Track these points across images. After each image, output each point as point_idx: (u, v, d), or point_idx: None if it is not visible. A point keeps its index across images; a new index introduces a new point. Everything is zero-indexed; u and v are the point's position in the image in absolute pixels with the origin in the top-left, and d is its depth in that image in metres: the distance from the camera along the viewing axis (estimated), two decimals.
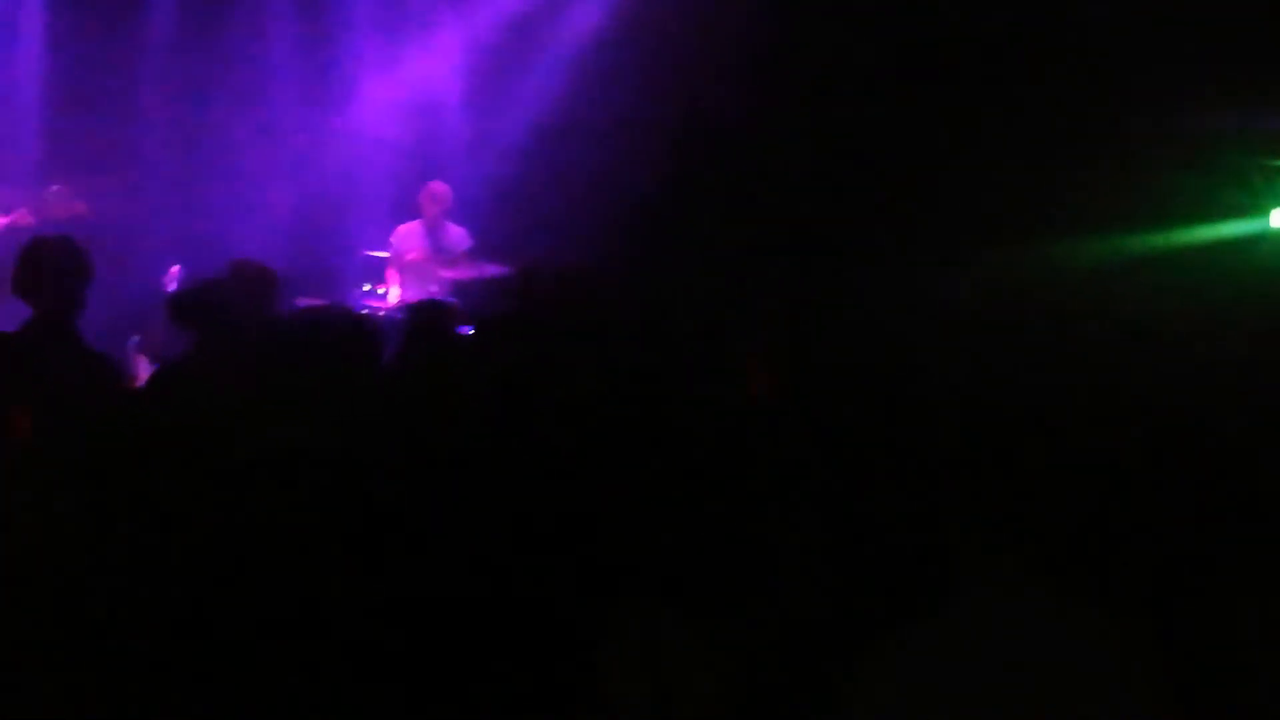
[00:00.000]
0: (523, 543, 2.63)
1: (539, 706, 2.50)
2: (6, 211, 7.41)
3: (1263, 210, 7.62)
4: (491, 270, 8.53)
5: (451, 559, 2.60)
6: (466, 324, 7.39)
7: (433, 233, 8.76)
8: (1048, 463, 2.25)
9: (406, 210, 8.89)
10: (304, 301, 8.08)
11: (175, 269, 8.11)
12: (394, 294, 8.57)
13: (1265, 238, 7.65)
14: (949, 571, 2.18)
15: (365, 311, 7.86)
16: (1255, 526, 2.31)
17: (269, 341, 4.67)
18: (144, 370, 6.99)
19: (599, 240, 8.10)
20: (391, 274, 8.70)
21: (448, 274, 8.61)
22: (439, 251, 8.71)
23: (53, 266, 4.65)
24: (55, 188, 7.98)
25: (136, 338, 7.47)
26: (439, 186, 8.83)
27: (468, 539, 2.63)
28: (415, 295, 8.35)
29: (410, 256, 8.66)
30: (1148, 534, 2.28)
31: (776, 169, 8.29)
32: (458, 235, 8.80)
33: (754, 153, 8.47)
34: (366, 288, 8.54)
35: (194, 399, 3.83)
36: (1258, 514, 2.34)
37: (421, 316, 5.58)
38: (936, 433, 2.46)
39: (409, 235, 8.76)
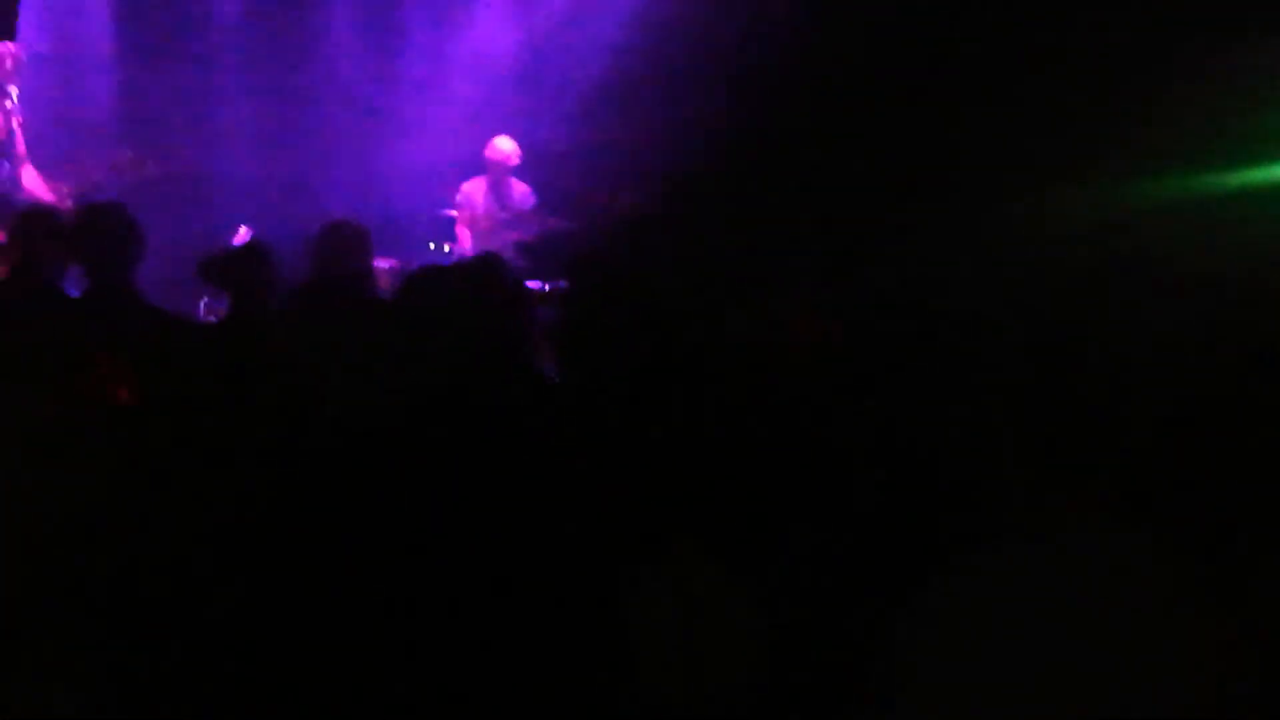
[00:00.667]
0: (561, 489, 2.65)
1: (573, 648, 2.52)
2: (56, 186, 7.51)
3: None
4: (557, 225, 8.53)
5: (485, 505, 2.64)
6: (534, 278, 7.42)
7: (497, 189, 8.75)
8: (1105, 401, 2.22)
9: (472, 167, 8.88)
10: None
11: (244, 230, 8.18)
12: (462, 250, 8.58)
13: None
14: (998, 510, 2.16)
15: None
16: None
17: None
18: None
19: (653, 194, 8.07)
20: (460, 231, 8.71)
21: (513, 232, 8.60)
22: (504, 208, 8.71)
23: (103, 233, 4.73)
24: (126, 152, 8.03)
25: (206, 299, 7.55)
26: (504, 143, 8.81)
27: (502, 485, 2.66)
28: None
29: (475, 213, 8.66)
30: (1205, 474, 2.24)
31: (828, 116, 8.19)
32: (522, 192, 8.79)
33: (808, 103, 8.35)
34: (433, 246, 8.54)
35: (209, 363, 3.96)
36: None
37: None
38: (987, 375, 2.43)
39: (474, 192, 8.75)
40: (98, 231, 4.77)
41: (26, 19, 8.30)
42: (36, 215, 5.30)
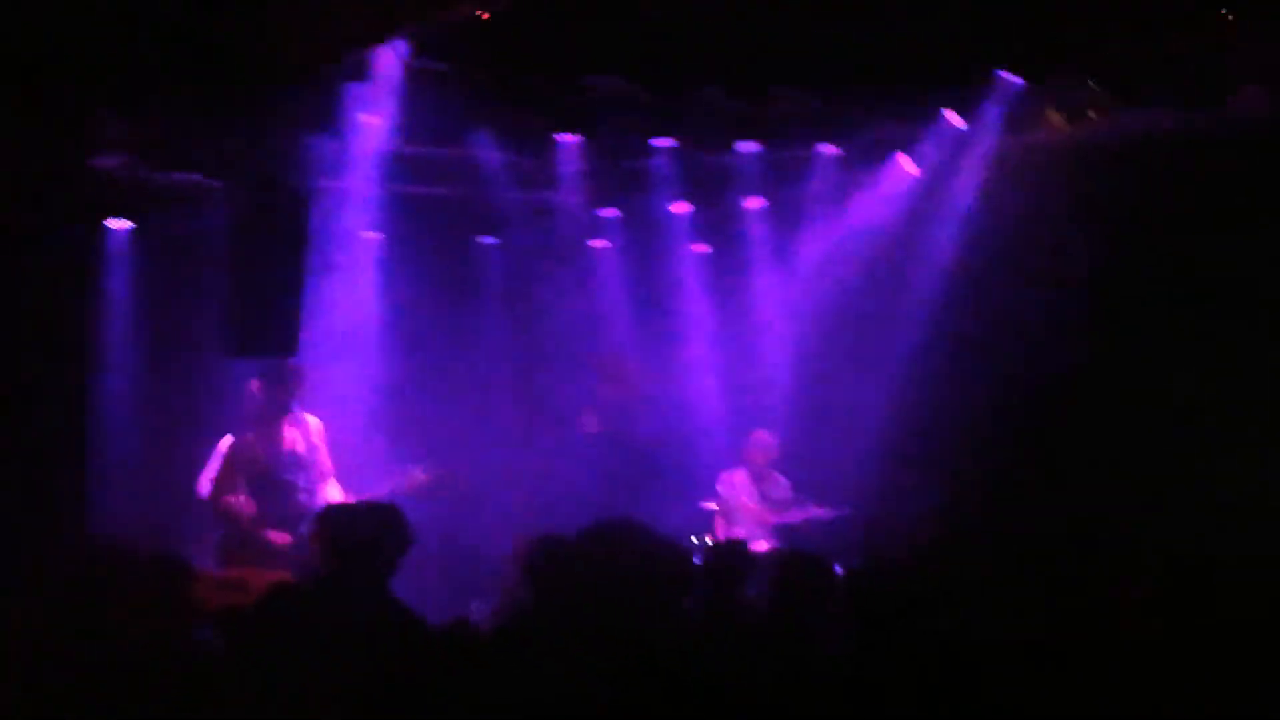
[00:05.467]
0: None
1: None
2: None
3: None
4: (816, 512, 8.47)
5: None
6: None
7: (758, 480, 8.80)
8: None
9: (729, 458, 8.98)
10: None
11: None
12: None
13: None
14: None
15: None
16: None
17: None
18: None
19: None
20: (719, 523, 8.75)
21: (774, 520, 8.59)
22: (765, 499, 8.75)
23: (365, 538, 4.87)
24: (419, 469, 8.31)
25: (475, 602, 7.75)
26: (765, 436, 8.92)
27: None
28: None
29: (738, 504, 8.71)
30: None
31: None
32: (781, 483, 8.82)
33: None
34: (695, 539, 8.56)
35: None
36: None
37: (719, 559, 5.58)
38: None
39: (735, 483, 8.82)
40: (356, 536, 4.92)
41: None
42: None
